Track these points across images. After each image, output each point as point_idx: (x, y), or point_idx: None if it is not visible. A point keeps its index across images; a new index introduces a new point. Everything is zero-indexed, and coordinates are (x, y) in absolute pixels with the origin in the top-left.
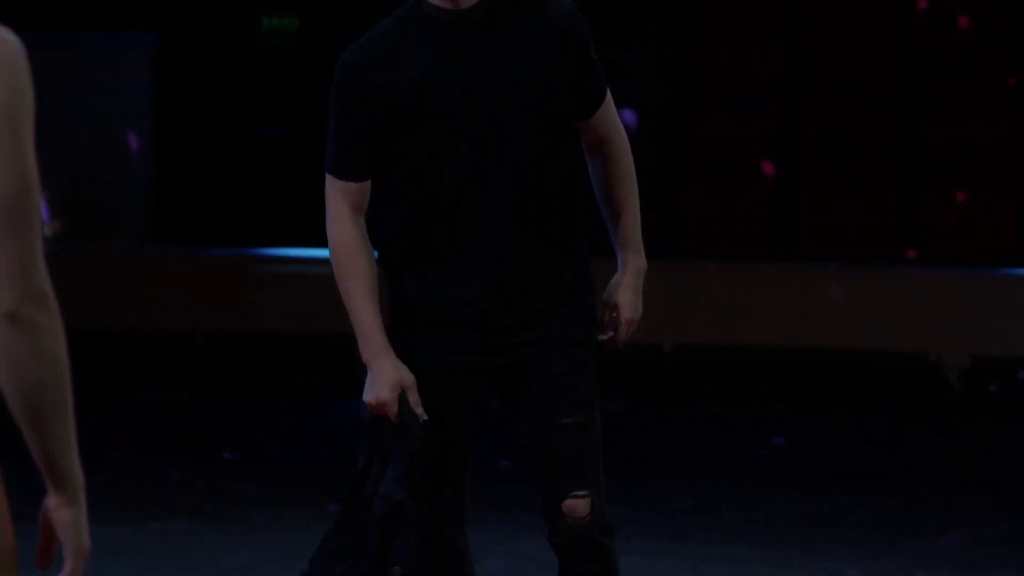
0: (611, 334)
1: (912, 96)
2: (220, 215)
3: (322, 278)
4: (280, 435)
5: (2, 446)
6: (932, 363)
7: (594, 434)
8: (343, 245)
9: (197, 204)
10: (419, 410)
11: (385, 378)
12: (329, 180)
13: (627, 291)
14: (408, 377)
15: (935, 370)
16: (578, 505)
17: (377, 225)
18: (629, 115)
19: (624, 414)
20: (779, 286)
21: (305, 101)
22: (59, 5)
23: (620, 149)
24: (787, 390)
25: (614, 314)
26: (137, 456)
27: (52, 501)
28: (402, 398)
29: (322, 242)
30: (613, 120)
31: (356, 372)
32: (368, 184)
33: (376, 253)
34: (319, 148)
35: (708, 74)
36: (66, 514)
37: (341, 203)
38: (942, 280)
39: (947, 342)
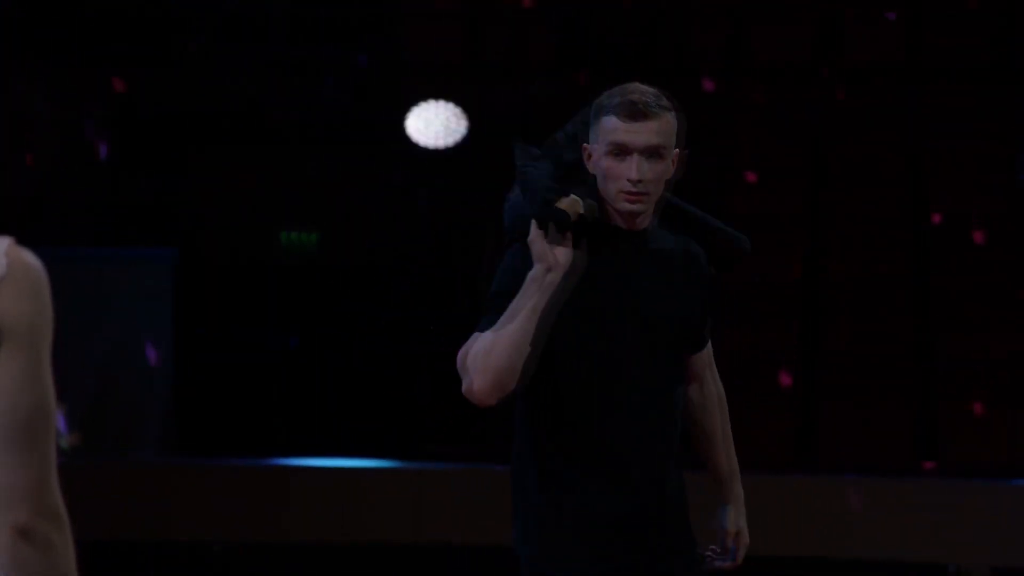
0: (731, 560)
1: (929, 309)
2: (239, 426)
3: (340, 489)
4: None
5: None
6: (952, 574)
7: None
8: (469, 353)
9: (216, 415)
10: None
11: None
12: (473, 338)
13: (741, 517)
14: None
15: None
16: None
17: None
18: None
19: None
20: (799, 497)
21: (323, 313)
22: (81, 221)
23: (717, 384)
24: None
25: (734, 541)
26: None
27: None
28: None
29: (341, 452)
30: (711, 358)
31: None
32: None
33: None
34: (336, 358)
35: (727, 286)
36: None
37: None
38: (960, 491)
39: (966, 553)
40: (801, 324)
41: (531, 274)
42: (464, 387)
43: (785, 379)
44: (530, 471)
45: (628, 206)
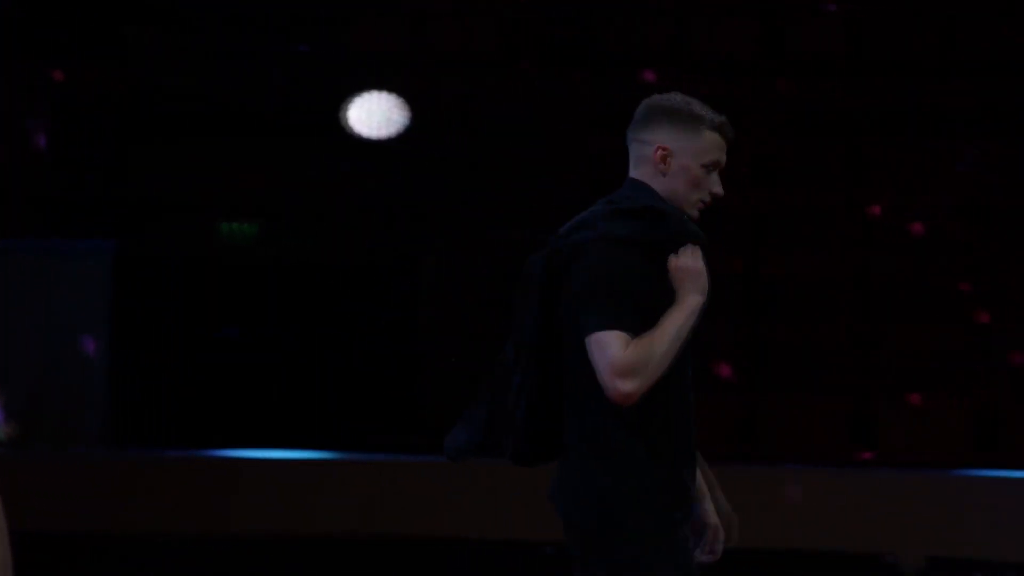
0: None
1: (868, 301)
2: (177, 418)
3: (281, 480)
4: None
5: None
6: (888, 564)
7: None
8: (640, 358)
9: (154, 407)
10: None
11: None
12: (610, 335)
13: (722, 502)
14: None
15: (891, 571)
16: None
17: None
18: None
19: None
20: (738, 487)
21: (263, 304)
22: (20, 212)
23: None
24: None
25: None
26: None
27: None
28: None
29: (282, 443)
30: None
31: (313, 572)
32: None
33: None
34: (276, 349)
35: None
36: None
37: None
38: (898, 481)
39: (903, 543)
40: (741, 316)
41: (692, 300)
42: (631, 387)
43: (725, 370)
44: (634, 454)
45: (697, 213)
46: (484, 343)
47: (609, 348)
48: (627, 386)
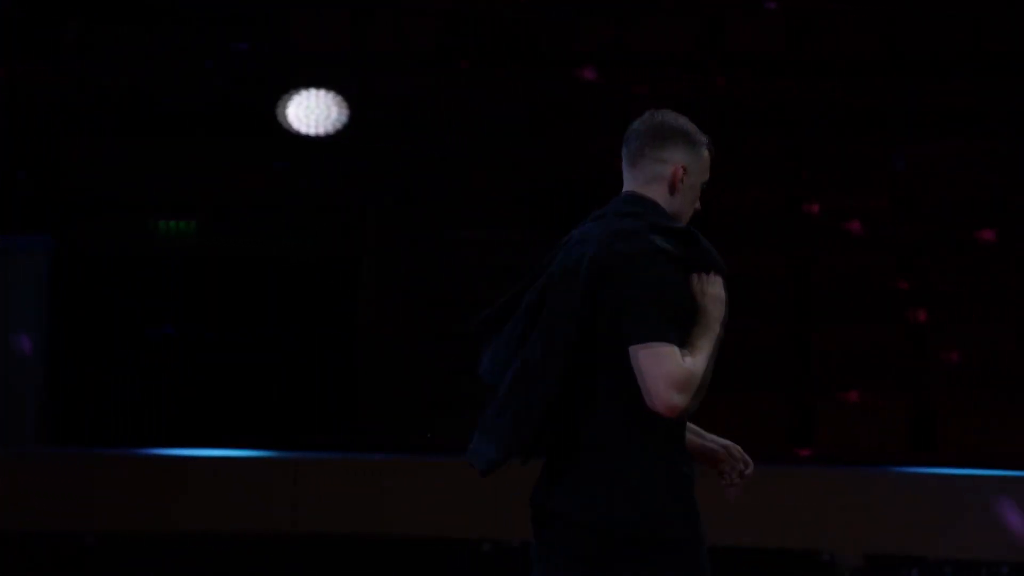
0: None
1: (805, 299)
2: (113, 416)
3: (217, 478)
4: None
5: None
6: (825, 561)
7: None
8: (692, 374)
9: (91, 405)
10: None
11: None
12: (666, 347)
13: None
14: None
15: (828, 568)
16: None
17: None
18: None
19: None
20: None
21: (201, 302)
22: None
23: None
24: None
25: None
26: None
27: None
28: None
29: (218, 442)
30: None
31: (249, 572)
32: None
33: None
34: (214, 347)
35: None
36: None
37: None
38: (835, 478)
39: (840, 540)
40: None
41: (718, 315)
42: (681, 400)
43: None
44: (647, 452)
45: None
46: (423, 340)
47: (667, 360)
48: (679, 399)
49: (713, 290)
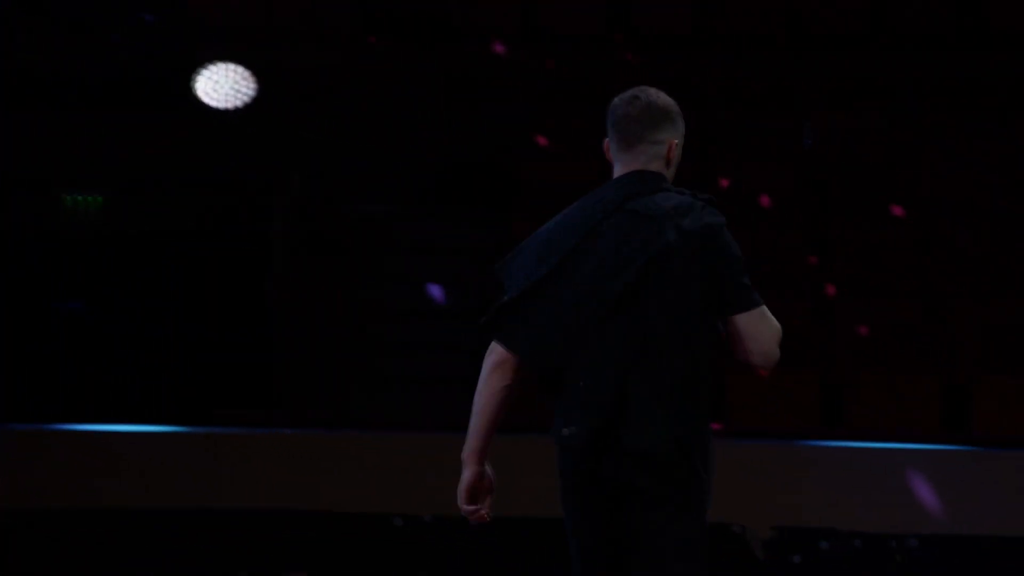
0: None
1: None
2: (21, 391)
3: (130, 454)
4: None
5: None
6: (736, 533)
7: None
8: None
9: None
10: None
11: None
12: (766, 310)
13: None
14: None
15: (739, 540)
16: None
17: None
18: (440, 290)
19: None
20: None
21: (108, 278)
22: None
23: None
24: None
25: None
26: None
27: None
28: None
29: (132, 418)
30: None
31: (141, 549)
32: None
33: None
34: (124, 324)
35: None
36: None
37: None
38: (745, 452)
39: (751, 513)
40: None
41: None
42: (775, 358)
43: None
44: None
45: None
46: (333, 315)
47: (774, 319)
48: (778, 353)
49: None
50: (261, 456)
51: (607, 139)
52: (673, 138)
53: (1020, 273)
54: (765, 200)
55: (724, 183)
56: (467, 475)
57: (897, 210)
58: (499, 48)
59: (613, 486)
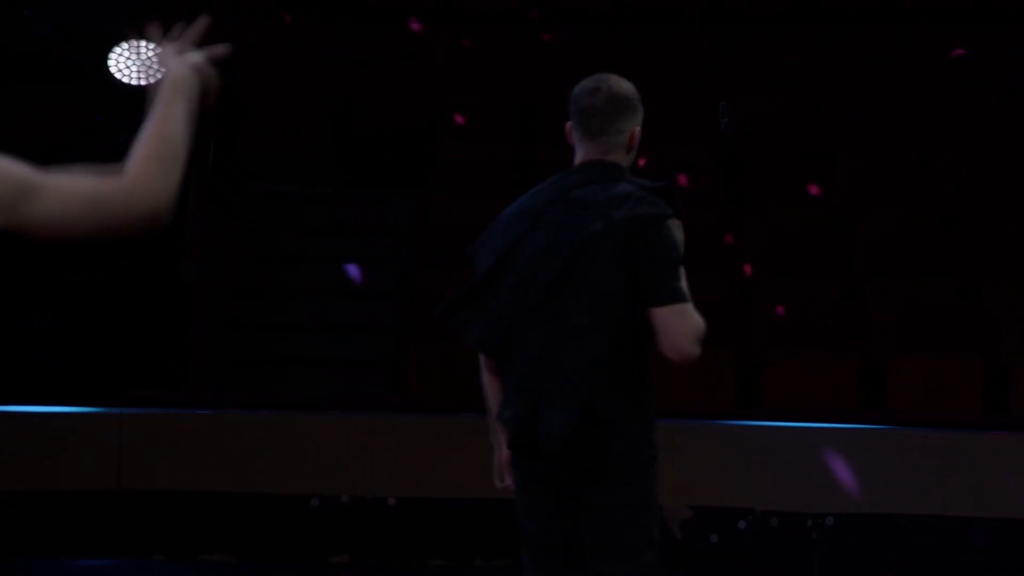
0: None
1: None
2: None
3: (37, 436)
4: None
5: None
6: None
7: None
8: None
9: None
10: None
11: None
12: (690, 306)
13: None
14: None
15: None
16: None
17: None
18: (354, 270)
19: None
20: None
21: (20, 256)
22: None
23: None
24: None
25: None
26: None
27: None
28: None
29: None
30: None
31: (74, 530)
32: None
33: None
34: (36, 301)
35: (432, 234)
36: None
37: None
38: (663, 432)
39: (669, 492)
40: None
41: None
42: (698, 352)
43: None
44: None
45: None
46: (244, 295)
47: (693, 318)
48: (697, 350)
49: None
50: (172, 437)
51: (569, 123)
52: (635, 126)
53: (936, 252)
54: (682, 179)
55: (641, 162)
56: (497, 455)
57: (814, 189)
58: (415, 25)
59: (546, 466)
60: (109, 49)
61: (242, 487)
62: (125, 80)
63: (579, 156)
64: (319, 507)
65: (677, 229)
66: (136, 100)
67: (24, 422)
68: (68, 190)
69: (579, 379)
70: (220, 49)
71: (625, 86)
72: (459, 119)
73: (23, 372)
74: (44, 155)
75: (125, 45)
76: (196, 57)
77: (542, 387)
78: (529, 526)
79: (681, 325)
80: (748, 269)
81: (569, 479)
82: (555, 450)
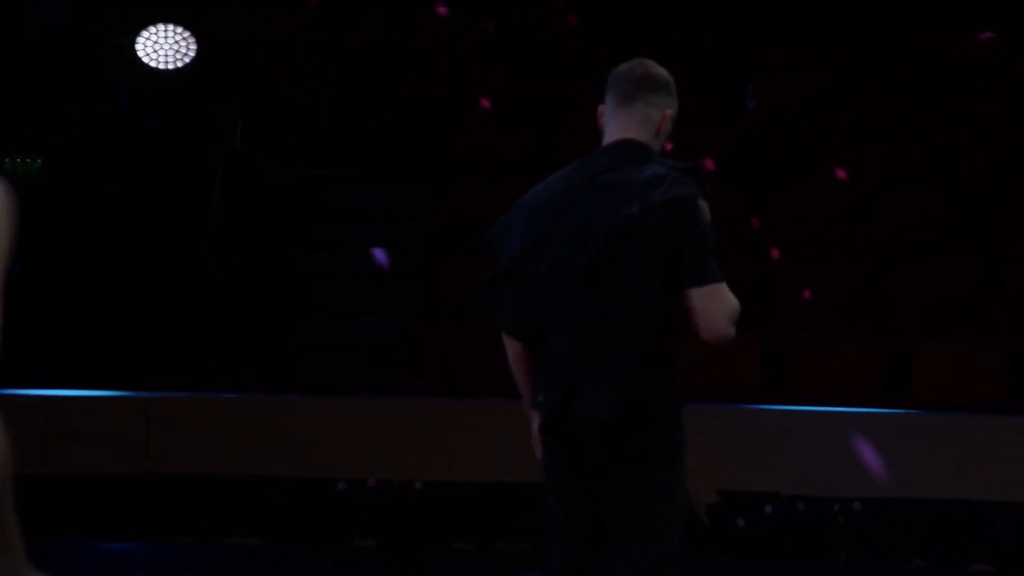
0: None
1: None
2: None
3: (58, 419)
4: None
5: None
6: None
7: None
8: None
9: None
10: None
11: None
12: (725, 287)
13: None
14: None
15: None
16: None
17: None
18: (376, 255)
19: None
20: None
21: (48, 240)
22: None
23: None
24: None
25: None
26: None
27: None
28: None
29: (64, 382)
30: None
31: (102, 513)
32: None
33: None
34: (63, 286)
35: (452, 219)
36: None
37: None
38: (689, 416)
39: (695, 478)
40: None
41: None
42: (734, 332)
43: None
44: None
45: None
46: (267, 279)
47: (729, 298)
48: (733, 330)
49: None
50: (197, 420)
51: (602, 105)
52: (668, 108)
53: (961, 238)
54: (709, 163)
55: (668, 146)
56: (534, 426)
57: (840, 173)
58: (442, 10)
59: (580, 449)
60: (137, 33)
61: (267, 471)
62: (152, 64)
63: (608, 134)
64: (345, 490)
65: (706, 209)
66: (163, 84)
67: (49, 406)
68: None
69: (621, 363)
70: None
71: (664, 72)
72: (485, 103)
73: (48, 356)
74: (71, 136)
75: (148, 31)
76: None
77: (580, 371)
78: (561, 509)
79: (718, 305)
80: (775, 254)
81: (604, 462)
82: (593, 434)
